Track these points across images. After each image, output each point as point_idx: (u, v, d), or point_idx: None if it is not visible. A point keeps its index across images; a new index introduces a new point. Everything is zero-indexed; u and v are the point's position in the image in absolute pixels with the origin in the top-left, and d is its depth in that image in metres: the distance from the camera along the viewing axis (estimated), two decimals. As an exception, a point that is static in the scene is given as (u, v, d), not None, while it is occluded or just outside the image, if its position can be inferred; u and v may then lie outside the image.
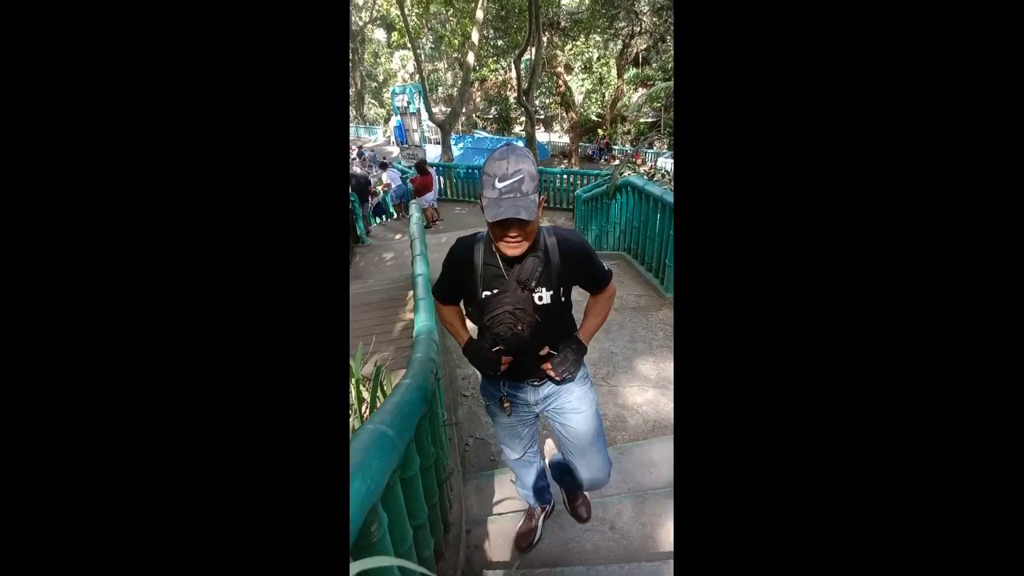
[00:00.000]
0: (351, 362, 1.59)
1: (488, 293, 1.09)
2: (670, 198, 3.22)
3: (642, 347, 2.80)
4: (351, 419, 1.54)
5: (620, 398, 2.43)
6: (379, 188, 9.94)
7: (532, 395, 1.25)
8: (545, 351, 1.16)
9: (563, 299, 1.12)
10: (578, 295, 1.18)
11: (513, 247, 1.00)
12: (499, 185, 0.94)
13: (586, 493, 1.59)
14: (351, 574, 0.62)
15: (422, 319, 1.82)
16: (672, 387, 2.44)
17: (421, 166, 8.61)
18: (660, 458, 2.00)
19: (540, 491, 1.53)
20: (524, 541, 1.58)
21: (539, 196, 0.98)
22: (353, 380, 1.52)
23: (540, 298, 1.09)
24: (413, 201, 5.29)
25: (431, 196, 8.40)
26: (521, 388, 1.25)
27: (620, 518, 1.68)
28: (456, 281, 1.16)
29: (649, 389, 2.47)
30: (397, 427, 0.90)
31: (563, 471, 1.50)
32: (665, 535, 1.60)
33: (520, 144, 1.02)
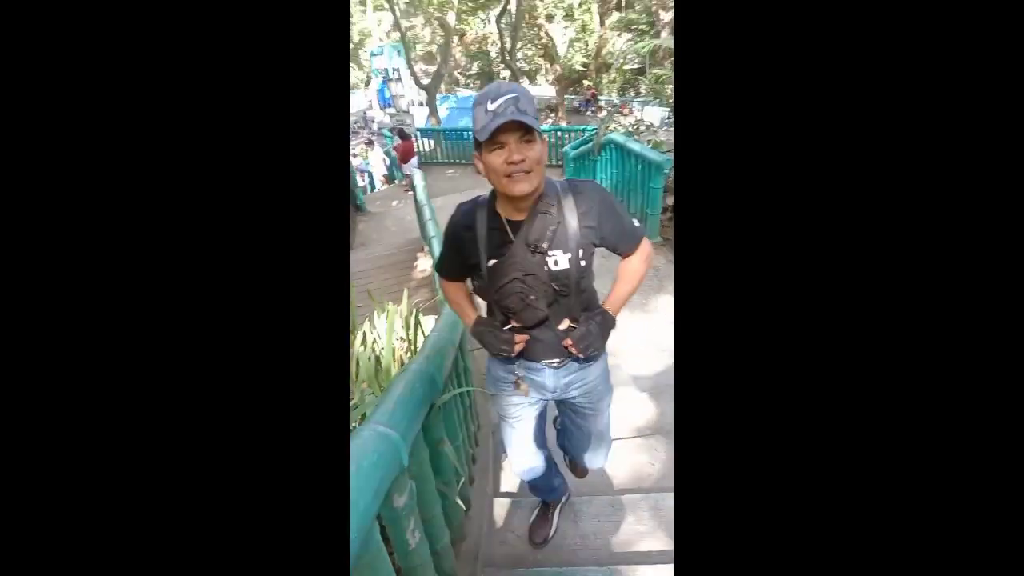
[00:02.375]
0: (394, 306, 2.02)
1: (494, 261, 0.95)
2: (649, 153, 3.58)
3: (628, 286, 3.25)
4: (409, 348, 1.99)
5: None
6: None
7: (552, 379, 1.08)
8: (565, 325, 1.00)
9: (582, 263, 0.95)
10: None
11: (519, 180, 0.85)
12: (492, 106, 0.82)
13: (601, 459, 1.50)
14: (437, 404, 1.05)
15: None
16: (651, 315, 2.91)
17: (401, 132, 8.83)
18: (642, 373, 2.49)
19: (553, 488, 1.44)
20: (538, 536, 1.48)
21: (542, 135, 0.87)
22: (401, 319, 1.96)
23: (556, 262, 0.93)
24: (415, 169, 5.59)
25: (415, 161, 8.62)
26: (539, 371, 1.08)
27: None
28: (459, 252, 1.00)
29: (638, 318, 2.94)
30: (436, 365, 1.13)
31: (567, 450, 1.45)
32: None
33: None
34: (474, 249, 0.97)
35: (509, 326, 1.01)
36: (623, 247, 1.03)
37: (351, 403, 1.39)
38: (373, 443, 0.78)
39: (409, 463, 0.88)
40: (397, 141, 8.84)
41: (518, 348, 1.01)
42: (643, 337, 2.77)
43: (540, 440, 1.25)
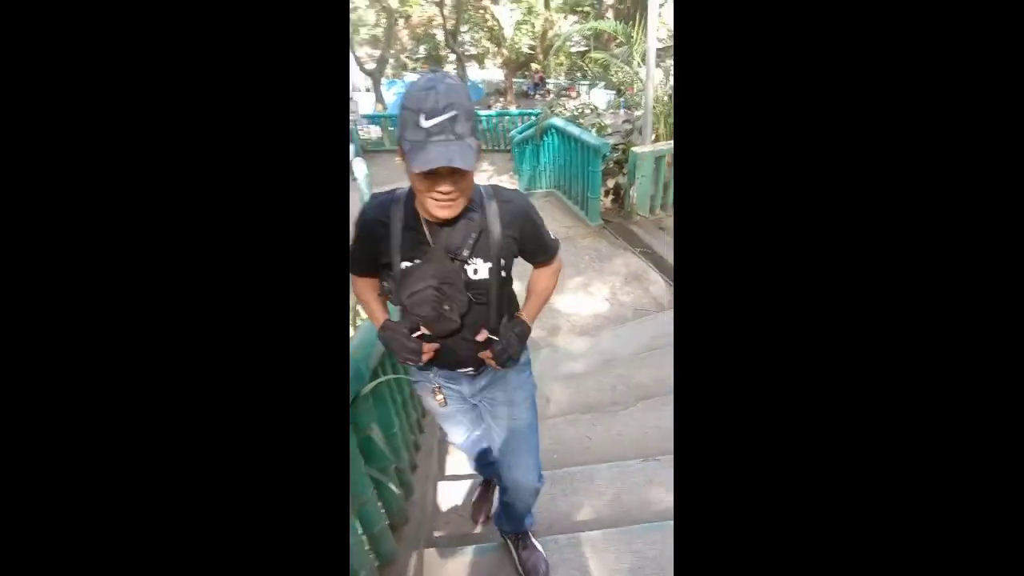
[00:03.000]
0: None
1: (408, 264, 0.89)
2: (588, 137, 3.65)
3: (571, 270, 3.35)
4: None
5: (551, 307, 2.99)
6: None
7: (468, 387, 1.08)
8: (483, 337, 0.96)
9: (503, 273, 0.93)
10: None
11: (444, 206, 0.80)
12: (426, 124, 0.74)
13: (537, 545, 1.32)
14: (365, 391, 1.09)
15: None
16: (593, 296, 3.01)
17: None
18: (582, 351, 2.60)
19: (492, 464, 1.32)
20: (479, 514, 1.53)
21: (476, 141, 0.78)
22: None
23: (475, 271, 0.90)
24: (356, 158, 5.46)
25: (352, 150, 8.38)
26: (455, 379, 1.06)
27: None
28: (370, 248, 0.92)
29: (579, 299, 3.04)
30: (362, 355, 1.14)
31: (503, 516, 1.30)
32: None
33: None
34: (386, 248, 0.90)
35: (418, 333, 0.94)
36: (539, 259, 1.03)
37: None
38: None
39: (332, 452, 0.91)
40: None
41: (426, 357, 0.95)
42: (585, 316, 2.88)
43: (473, 418, 1.21)
